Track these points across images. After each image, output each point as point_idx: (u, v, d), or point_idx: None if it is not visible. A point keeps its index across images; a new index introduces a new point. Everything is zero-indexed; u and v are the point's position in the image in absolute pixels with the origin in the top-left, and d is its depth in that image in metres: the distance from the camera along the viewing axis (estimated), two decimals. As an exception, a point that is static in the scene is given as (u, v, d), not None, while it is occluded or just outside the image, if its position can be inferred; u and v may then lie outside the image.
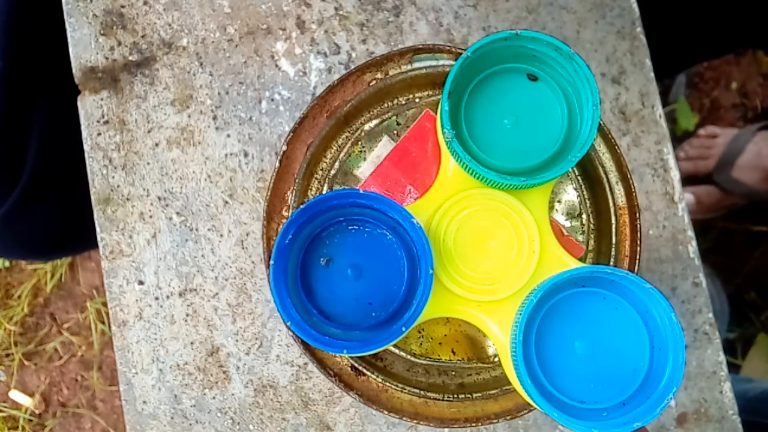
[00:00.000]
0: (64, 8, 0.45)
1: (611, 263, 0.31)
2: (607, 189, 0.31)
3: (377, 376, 0.31)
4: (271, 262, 0.25)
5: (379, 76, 0.32)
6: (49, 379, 1.06)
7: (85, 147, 0.45)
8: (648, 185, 0.45)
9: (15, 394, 1.04)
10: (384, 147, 0.31)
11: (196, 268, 0.44)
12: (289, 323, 0.24)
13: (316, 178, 0.32)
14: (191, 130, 0.45)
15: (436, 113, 0.30)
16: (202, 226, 0.44)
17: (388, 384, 0.31)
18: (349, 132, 0.32)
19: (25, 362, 1.05)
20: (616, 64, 0.46)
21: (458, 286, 0.27)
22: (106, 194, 0.44)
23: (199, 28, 0.45)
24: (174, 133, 0.45)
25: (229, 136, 0.45)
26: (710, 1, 0.65)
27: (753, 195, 0.97)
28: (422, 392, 0.31)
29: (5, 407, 1.05)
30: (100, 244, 0.44)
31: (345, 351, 0.24)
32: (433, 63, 0.31)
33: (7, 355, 1.06)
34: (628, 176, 0.31)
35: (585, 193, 0.32)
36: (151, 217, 0.44)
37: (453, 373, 0.32)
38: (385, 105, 0.32)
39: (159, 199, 0.44)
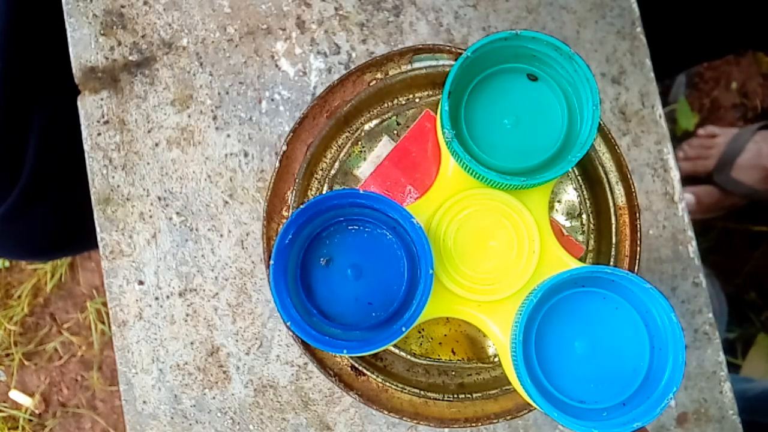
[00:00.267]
0: (64, 8, 0.45)
1: (611, 263, 0.31)
2: (607, 189, 0.31)
3: (377, 376, 0.31)
4: (271, 262, 0.25)
5: (379, 76, 0.32)
6: (49, 379, 1.06)
7: (85, 147, 0.45)
8: (648, 185, 0.45)
9: (15, 394, 1.04)
10: (384, 147, 0.31)
11: (196, 268, 0.44)
12: (289, 323, 0.24)
13: (316, 178, 0.32)
14: (191, 130, 0.45)
15: (436, 113, 0.30)
16: (202, 226, 0.44)
17: (388, 384, 0.31)
18: (349, 132, 0.32)
19: (25, 362, 1.05)
20: (616, 64, 0.46)
21: (458, 286, 0.27)
22: (106, 194, 0.44)
23: (199, 28, 0.45)
24: (174, 133, 0.45)
25: (229, 136, 0.45)
26: (710, 2, 0.65)
27: (753, 195, 0.97)
28: (422, 392, 0.31)
29: (5, 407, 1.05)
30: (100, 244, 0.44)
31: (345, 351, 0.24)
32: (433, 63, 0.31)
33: (7, 355, 1.06)
34: (628, 176, 0.31)
35: (585, 193, 0.32)
36: (151, 217, 0.44)
37: (453, 373, 0.32)
38: (385, 105, 0.32)
39: (159, 199, 0.44)
